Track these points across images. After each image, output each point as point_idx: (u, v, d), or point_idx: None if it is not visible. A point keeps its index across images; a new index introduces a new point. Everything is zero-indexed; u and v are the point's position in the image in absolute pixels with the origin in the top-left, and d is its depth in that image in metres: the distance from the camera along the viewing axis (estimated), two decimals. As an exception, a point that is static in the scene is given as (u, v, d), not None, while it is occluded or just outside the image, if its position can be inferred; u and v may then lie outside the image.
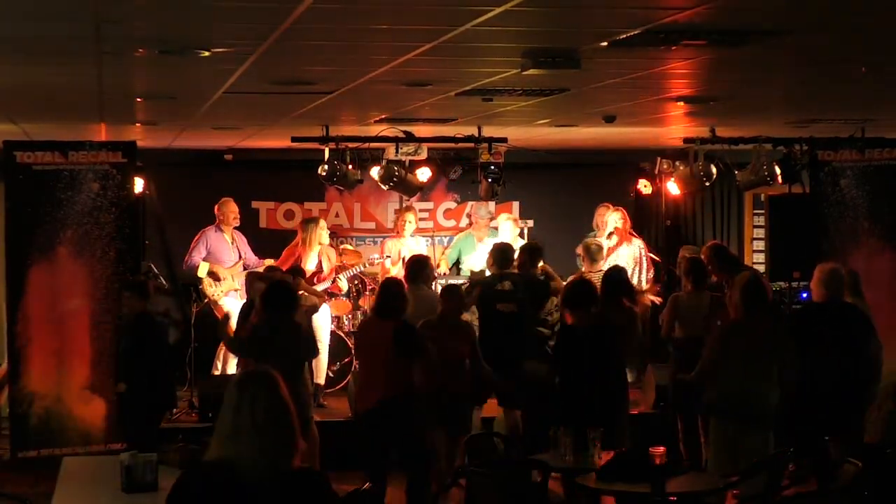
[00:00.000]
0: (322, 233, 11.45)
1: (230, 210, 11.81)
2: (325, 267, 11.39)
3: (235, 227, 11.89)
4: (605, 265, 10.75)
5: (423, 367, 7.75)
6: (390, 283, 8.28)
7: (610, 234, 11.76)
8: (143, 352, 8.39)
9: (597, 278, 9.92)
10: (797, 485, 7.44)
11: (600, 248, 10.66)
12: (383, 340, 7.71)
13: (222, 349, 11.49)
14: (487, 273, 10.07)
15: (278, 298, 8.07)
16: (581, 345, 7.77)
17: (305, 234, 11.40)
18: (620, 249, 11.54)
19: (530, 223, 12.85)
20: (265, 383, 3.54)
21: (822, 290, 8.33)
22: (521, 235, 12.11)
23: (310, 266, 11.21)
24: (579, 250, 11.66)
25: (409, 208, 12.33)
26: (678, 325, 9.04)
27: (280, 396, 3.52)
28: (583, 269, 10.80)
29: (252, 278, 10.14)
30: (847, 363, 8.14)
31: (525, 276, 9.67)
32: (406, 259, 10.25)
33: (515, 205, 13.79)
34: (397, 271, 11.17)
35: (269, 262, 11.49)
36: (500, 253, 9.73)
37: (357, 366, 11.35)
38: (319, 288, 11.17)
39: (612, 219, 11.80)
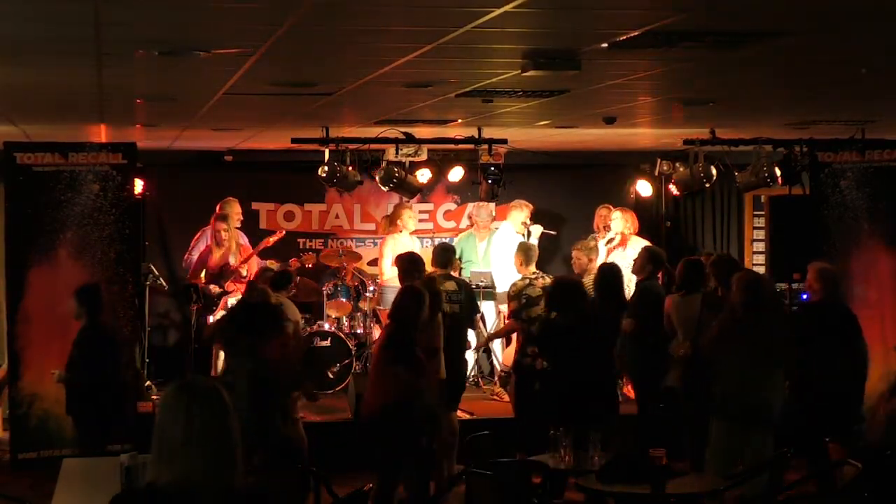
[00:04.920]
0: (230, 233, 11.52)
1: (234, 211, 11.84)
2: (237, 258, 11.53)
3: (236, 227, 11.93)
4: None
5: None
6: (404, 290, 8.24)
7: (611, 239, 11.73)
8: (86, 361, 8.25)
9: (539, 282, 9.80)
10: (797, 486, 7.44)
11: (528, 249, 10.43)
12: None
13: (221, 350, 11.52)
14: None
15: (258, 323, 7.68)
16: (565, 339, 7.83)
17: (229, 230, 11.44)
18: (627, 251, 11.51)
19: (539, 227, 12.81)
20: (207, 395, 3.19)
21: (818, 287, 8.36)
22: (524, 234, 12.10)
23: (232, 260, 11.32)
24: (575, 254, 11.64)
25: (404, 205, 12.34)
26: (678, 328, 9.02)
27: (225, 409, 3.18)
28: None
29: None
30: (846, 363, 8.15)
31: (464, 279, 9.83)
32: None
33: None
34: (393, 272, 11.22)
35: (271, 263, 11.52)
36: (443, 253, 9.75)
37: (357, 368, 11.44)
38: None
39: (616, 220, 11.78)
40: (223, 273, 11.34)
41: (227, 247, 11.50)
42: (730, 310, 7.60)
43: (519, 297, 9.46)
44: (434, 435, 7.88)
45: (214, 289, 11.28)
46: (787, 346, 7.56)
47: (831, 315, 8.30)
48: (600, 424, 7.24)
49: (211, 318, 11.32)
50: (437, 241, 12.95)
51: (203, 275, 11.48)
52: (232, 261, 11.40)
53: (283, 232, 12.43)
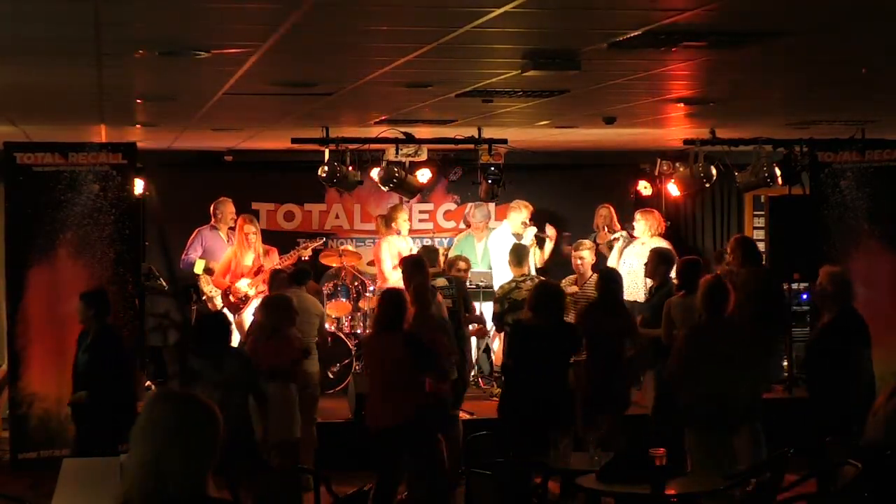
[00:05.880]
0: (258, 236, 11.46)
1: (228, 210, 11.83)
2: (265, 263, 11.40)
3: (230, 227, 11.91)
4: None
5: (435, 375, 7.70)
6: (393, 294, 8.04)
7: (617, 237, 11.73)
8: (103, 366, 8.23)
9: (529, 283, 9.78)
10: (797, 485, 7.44)
11: (518, 250, 10.45)
12: (395, 354, 7.60)
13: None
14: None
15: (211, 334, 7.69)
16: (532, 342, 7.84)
17: (257, 233, 11.37)
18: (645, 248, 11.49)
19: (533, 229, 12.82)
20: (183, 405, 3.07)
21: (831, 291, 8.36)
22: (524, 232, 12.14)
23: (247, 263, 11.27)
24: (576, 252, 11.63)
25: (398, 207, 12.32)
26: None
27: (200, 419, 3.05)
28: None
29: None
30: (853, 363, 8.16)
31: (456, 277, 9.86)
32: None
33: (516, 206, 13.78)
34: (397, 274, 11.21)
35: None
36: (427, 253, 9.89)
37: (357, 367, 11.42)
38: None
39: (640, 223, 11.74)
40: (256, 274, 11.29)
41: (256, 249, 11.49)
42: (697, 315, 7.65)
43: (502, 301, 9.41)
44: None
45: (241, 289, 11.27)
46: (753, 350, 7.56)
47: (841, 318, 8.30)
48: (559, 428, 7.22)
49: (236, 317, 11.26)
50: (437, 242, 13.01)
51: (228, 276, 11.41)
52: (265, 263, 11.35)
53: (322, 240, 12.40)
